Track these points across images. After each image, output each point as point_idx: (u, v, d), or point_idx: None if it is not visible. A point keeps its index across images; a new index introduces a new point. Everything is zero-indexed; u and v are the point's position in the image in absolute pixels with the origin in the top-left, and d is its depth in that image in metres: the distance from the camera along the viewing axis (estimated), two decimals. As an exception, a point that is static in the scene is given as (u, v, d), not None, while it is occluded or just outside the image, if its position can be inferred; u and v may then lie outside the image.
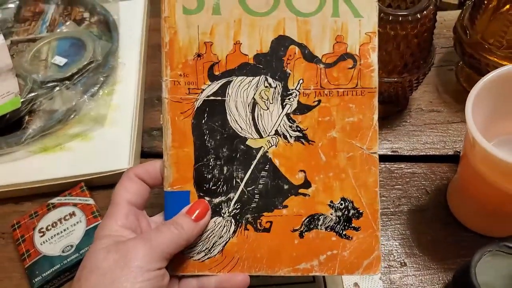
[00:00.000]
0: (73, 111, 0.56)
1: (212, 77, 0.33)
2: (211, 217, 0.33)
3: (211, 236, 0.33)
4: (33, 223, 0.48)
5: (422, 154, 0.53)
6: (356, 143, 0.33)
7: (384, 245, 0.46)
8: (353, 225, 0.33)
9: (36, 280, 0.44)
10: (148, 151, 0.57)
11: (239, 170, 0.33)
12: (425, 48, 0.47)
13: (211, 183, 0.33)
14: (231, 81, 0.33)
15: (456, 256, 0.44)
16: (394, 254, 0.45)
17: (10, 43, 0.65)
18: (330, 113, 0.33)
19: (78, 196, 0.50)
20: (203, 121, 0.33)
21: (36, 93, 0.58)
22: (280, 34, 0.33)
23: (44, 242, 0.46)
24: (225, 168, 0.33)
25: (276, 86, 0.33)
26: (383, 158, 0.53)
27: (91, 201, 0.49)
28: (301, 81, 0.33)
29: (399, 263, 0.44)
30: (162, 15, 0.32)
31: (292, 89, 0.33)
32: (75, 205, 0.49)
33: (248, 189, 0.33)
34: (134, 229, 0.33)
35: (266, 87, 0.33)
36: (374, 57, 0.32)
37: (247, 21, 0.32)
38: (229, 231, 0.33)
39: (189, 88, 0.32)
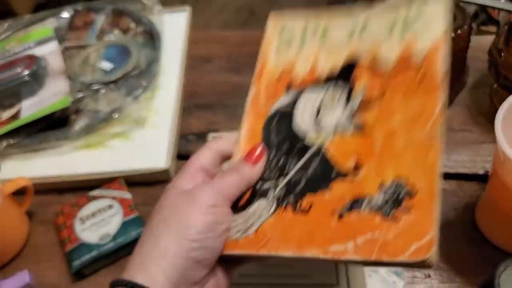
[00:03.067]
0: (116, 111, 0.59)
1: (288, 92, 0.38)
2: (258, 200, 0.34)
3: (252, 216, 0.33)
4: (74, 212, 0.51)
5: (451, 172, 0.53)
6: (416, 127, 0.31)
7: (409, 256, 0.46)
8: (403, 205, 0.28)
9: (74, 263, 0.47)
10: (184, 155, 0.59)
11: (293, 160, 0.35)
12: (458, 67, 0.48)
13: (266, 171, 0.35)
14: (302, 95, 0.37)
15: (482, 273, 0.43)
16: (419, 266, 0.45)
17: (63, 49, 0.70)
18: (393, 105, 0.33)
19: (116, 190, 0.53)
20: (272, 126, 0.37)
21: (83, 94, 0.62)
22: (352, 58, 0.36)
23: (83, 230, 0.49)
24: (282, 159, 0.35)
25: (342, 92, 0.36)
26: (412, 173, 0.53)
27: (128, 195, 0.52)
28: (365, 85, 0.35)
29: (424, 274, 0.45)
30: (260, 50, 0.41)
31: (357, 93, 0.35)
32: (113, 198, 0.52)
33: (297, 175, 0.34)
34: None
35: (333, 94, 0.36)
36: (439, 64, 0.32)
37: (324, 52, 0.38)
38: (269, 211, 0.33)
39: (267, 99, 0.38)
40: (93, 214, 0.51)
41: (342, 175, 0.32)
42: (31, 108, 0.60)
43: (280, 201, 0.33)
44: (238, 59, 0.72)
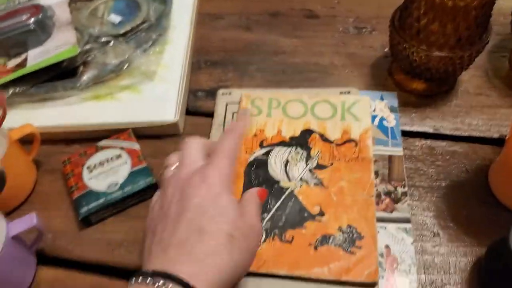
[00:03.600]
0: (125, 63, 0.58)
1: (262, 146, 0.51)
2: None
3: None
4: (82, 161, 0.51)
5: (465, 134, 0.52)
6: (358, 190, 0.45)
7: (418, 215, 0.46)
8: (356, 244, 0.42)
9: (82, 210, 0.47)
10: (192, 110, 0.59)
11: (273, 200, 0.46)
12: (482, 23, 0.46)
13: None
14: (273, 149, 0.50)
15: (492, 234, 0.43)
16: (428, 224, 0.45)
17: (70, 1, 0.69)
18: (340, 170, 0.47)
19: (125, 140, 0.52)
20: (252, 169, 0.49)
21: (91, 46, 0.61)
22: (307, 127, 0.52)
23: (91, 178, 0.49)
24: None
25: (302, 152, 0.50)
26: (424, 135, 0.53)
27: (137, 146, 0.52)
28: (319, 151, 0.49)
29: (432, 233, 0.44)
30: (237, 114, 0.55)
31: (313, 155, 0.49)
32: (122, 148, 0.51)
33: (277, 212, 0.45)
34: None
35: (296, 153, 0.50)
36: (369, 141, 0.49)
37: (286, 120, 0.53)
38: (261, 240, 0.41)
39: (246, 150, 0.50)
40: (101, 163, 0.50)
41: (312, 217, 0.44)
42: (37, 57, 0.59)
43: (268, 232, 0.44)
44: (250, 17, 0.70)
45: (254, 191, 0.37)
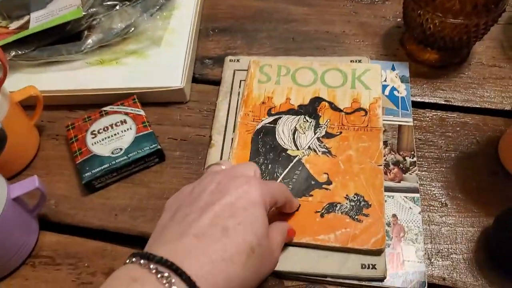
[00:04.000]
0: (131, 27, 0.57)
1: (270, 114, 0.50)
2: None
3: None
4: (86, 126, 0.50)
5: (477, 106, 0.51)
6: (366, 159, 0.45)
7: (426, 185, 0.45)
8: (363, 212, 0.41)
9: (85, 175, 0.46)
10: (199, 78, 0.58)
11: (280, 168, 0.45)
12: (499, -11, 0.45)
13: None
14: (281, 117, 0.50)
15: (500, 204, 0.43)
16: (437, 194, 0.44)
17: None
18: (348, 139, 0.47)
19: (130, 106, 0.51)
20: (259, 137, 0.48)
21: (96, 9, 0.59)
22: (316, 95, 0.51)
23: (95, 143, 0.48)
24: (270, 166, 0.46)
25: (311, 121, 0.49)
26: (435, 106, 0.52)
27: (142, 112, 0.51)
28: (328, 120, 0.48)
29: (440, 203, 0.44)
30: (245, 82, 0.53)
31: (322, 124, 0.48)
32: (126, 114, 0.51)
33: (284, 180, 0.44)
34: None
35: (304, 121, 0.49)
36: (379, 110, 0.48)
37: (295, 88, 0.52)
38: None
39: (254, 118, 0.50)
40: (105, 128, 0.49)
41: (319, 185, 0.44)
42: (40, 19, 0.58)
43: None
44: (259, -16, 0.68)
45: (286, 226, 0.38)
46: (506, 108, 0.50)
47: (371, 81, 0.51)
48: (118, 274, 0.28)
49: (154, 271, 0.26)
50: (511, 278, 0.39)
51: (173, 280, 0.26)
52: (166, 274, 0.26)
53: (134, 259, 0.28)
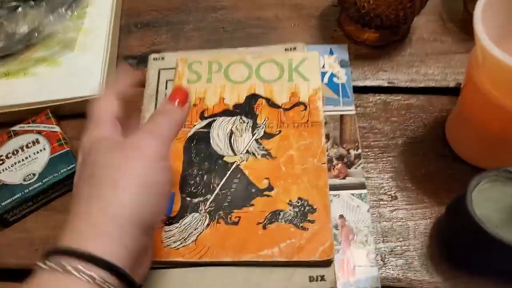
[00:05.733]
0: (37, 31, 0.50)
1: (202, 118, 0.45)
2: (190, 213, 0.39)
3: (188, 228, 0.39)
4: (-8, 151, 0.44)
5: (421, 86, 0.48)
6: (308, 157, 0.41)
7: (374, 178, 0.42)
8: (308, 218, 0.38)
9: (-6, 209, 0.40)
10: (122, 80, 0.52)
11: (216, 178, 0.41)
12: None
13: (192, 187, 0.41)
14: (216, 119, 0.45)
15: (450, 190, 0.40)
16: (385, 187, 0.42)
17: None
18: (288, 138, 0.43)
19: (43, 123, 0.45)
20: (192, 145, 0.43)
21: (-5, 13, 0.52)
22: (252, 92, 0.46)
23: (4, 170, 0.42)
24: (205, 177, 0.41)
25: (248, 122, 0.44)
26: (378, 90, 0.48)
27: (57, 129, 0.45)
28: (266, 119, 0.44)
29: (390, 196, 0.41)
30: (173, 83, 0.48)
31: (260, 124, 0.44)
32: (39, 132, 0.45)
33: (222, 191, 0.40)
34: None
35: (241, 122, 0.44)
36: (319, 103, 0.44)
37: (229, 85, 0.47)
38: (203, 224, 0.39)
39: (185, 124, 0.40)
40: (15, 152, 0.43)
41: (260, 192, 0.40)
42: None
43: (212, 216, 0.39)
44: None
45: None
46: (450, 85, 0.48)
47: (309, 71, 0.46)
48: None
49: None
50: (466, 269, 0.36)
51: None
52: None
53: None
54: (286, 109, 0.44)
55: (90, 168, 0.28)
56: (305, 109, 0.44)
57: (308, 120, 0.43)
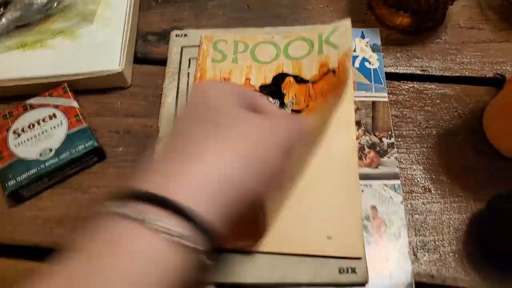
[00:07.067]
0: (54, 2, 0.48)
1: None
2: None
3: None
4: (7, 124, 0.42)
5: (456, 75, 0.46)
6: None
7: (407, 169, 0.40)
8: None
9: (9, 184, 0.38)
10: (141, 57, 0.50)
11: None
12: None
13: None
14: None
15: (489, 186, 0.38)
16: (418, 179, 0.40)
17: None
18: (315, 109, 0.40)
19: (60, 97, 0.43)
20: None
21: (13, -18, 0.50)
22: (279, 72, 0.44)
23: (19, 144, 0.40)
24: None
25: (275, 102, 0.42)
26: (411, 77, 0.46)
27: (74, 103, 0.43)
28: (294, 97, 0.42)
29: (423, 188, 0.39)
30: (197, 62, 0.46)
31: (287, 103, 0.42)
32: (56, 106, 0.43)
33: None
34: None
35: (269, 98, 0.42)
36: (348, 63, 0.39)
37: (255, 66, 0.45)
38: None
39: None
40: (31, 126, 0.41)
41: None
42: None
43: None
44: None
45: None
46: (488, 75, 0.46)
47: (341, 39, 0.42)
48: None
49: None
50: (504, 269, 0.35)
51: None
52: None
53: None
54: (314, 82, 0.42)
55: (211, 113, 0.26)
56: (334, 74, 0.41)
57: (336, 82, 0.40)
